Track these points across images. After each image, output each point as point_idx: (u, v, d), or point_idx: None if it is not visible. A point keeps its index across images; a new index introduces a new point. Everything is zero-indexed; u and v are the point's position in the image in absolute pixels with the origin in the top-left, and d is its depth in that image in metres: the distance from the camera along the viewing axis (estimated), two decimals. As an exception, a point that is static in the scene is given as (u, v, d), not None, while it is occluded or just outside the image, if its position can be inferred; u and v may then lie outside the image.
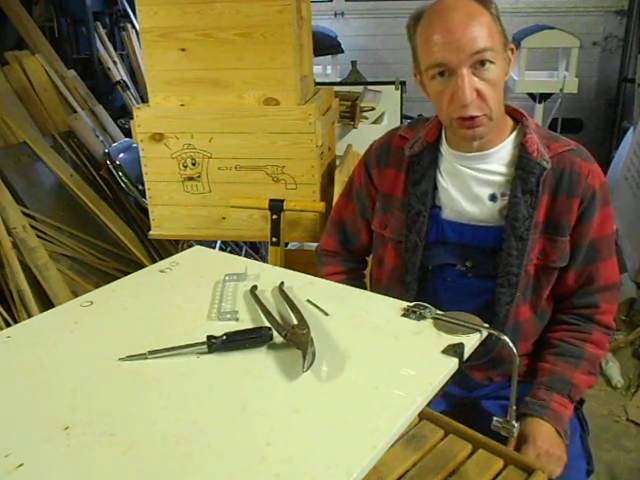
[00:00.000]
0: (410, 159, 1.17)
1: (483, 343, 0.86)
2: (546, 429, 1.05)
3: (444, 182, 1.15)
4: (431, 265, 1.17)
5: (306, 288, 1.01)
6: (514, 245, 1.09)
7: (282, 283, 1.01)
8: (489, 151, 1.10)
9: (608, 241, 1.13)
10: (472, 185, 1.12)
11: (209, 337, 0.83)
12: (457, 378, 0.82)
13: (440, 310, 0.90)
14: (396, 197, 1.20)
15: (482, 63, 0.99)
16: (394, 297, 1.12)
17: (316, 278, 1.06)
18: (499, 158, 1.11)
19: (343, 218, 1.34)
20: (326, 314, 0.92)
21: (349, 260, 1.35)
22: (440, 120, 1.15)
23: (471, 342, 0.82)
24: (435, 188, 1.16)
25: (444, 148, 1.16)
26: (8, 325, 2.23)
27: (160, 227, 2.02)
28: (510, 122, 1.14)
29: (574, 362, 1.11)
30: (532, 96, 3.54)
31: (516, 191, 1.08)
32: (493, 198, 1.12)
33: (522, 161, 1.08)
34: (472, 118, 1.03)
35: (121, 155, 2.85)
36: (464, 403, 1.22)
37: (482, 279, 1.14)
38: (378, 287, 1.27)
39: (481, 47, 0.98)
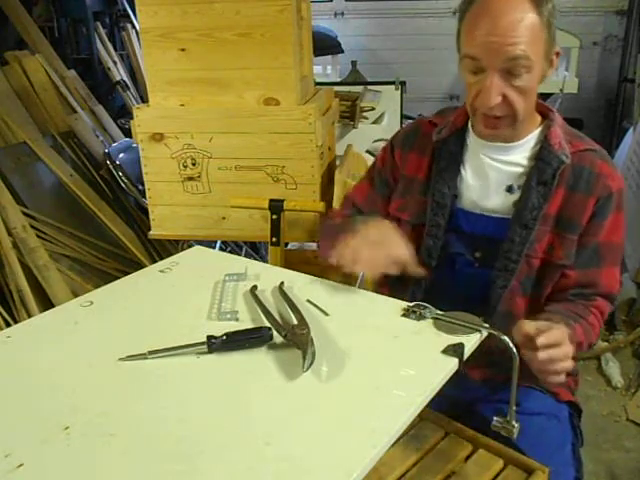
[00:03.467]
0: (436, 144, 1.17)
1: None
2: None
3: (464, 171, 1.15)
4: (442, 252, 1.16)
5: (306, 288, 1.01)
6: (517, 232, 1.09)
7: (282, 283, 1.01)
8: (514, 143, 1.11)
9: (615, 249, 1.12)
10: (491, 175, 1.12)
11: (209, 337, 0.83)
12: (456, 379, 0.82)
13: (445, 299, 0.89)
14: (418, 181, 1.20)
15: (515, 71, 0.99)
16: (412, 282, 1.09)
17: (316, 278, 1.06)
18: (522, 150, 1.12)
19: (357, 198, 1.30)
20: (326, 314, 0.92)
21: None
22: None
23: (471, 342, 0.83)
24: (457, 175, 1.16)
25: (470, 135, 1.16)
26: (8, 325, 2.23)
27: (160, 227, 2.01)
28: (538, 117, 1.14)
29: (579, 319, 1.06)
30: (532, 96, 3.53)
31: (531, 180, 1.09)
32: (510, 190, 1.12)
33: (542, 152, 1.09)
34: (496, 117, 1.04)
35: (121, 155, 2.85)
36: (460, 404, 1.22)
37: (490, 270, 1.13)
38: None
39: (517, 55, 0.97)
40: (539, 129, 1.12)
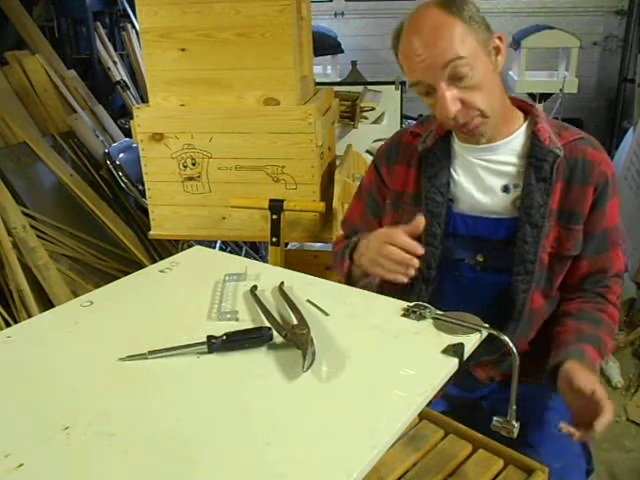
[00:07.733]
0: (422, 154, 1.17)
1: (494, 339, 0.85)
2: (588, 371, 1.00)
3: (456, 175, 1.15)
4: (442, 261, 1.16)
5: (306, 288, 1.01)
6: (529, 232, 1.09)
7: (282, 283, 1.01)
8: (498, 142, 1.11)
9: (618, 230, 1.15)
10: (484, 176, 1.12)
11: (209, 337, 0.83)
12: (458, 379, 0.82)
13: (449, 306, 0.90)
14: (408, 193, 1.20)
15: (458, 73, 0.99)
16: (412, 294, 1.10)
17: (316, 278, 1.06)
18: (510, 149, 1.12)
19: (355, 220, 1.33)
20: (326, 314, 0.92)
21: None
22: None
23: (471, 342, 0.82)
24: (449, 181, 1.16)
25: (455, 141, 1.16)
26: (8, 325, 2.23)
27: (160, 227, 2.02)
28: (519, 114, 1.14)
29: (596, 324, 1.10)
30: (532, 96, 3.54)
31: (530, 179, 1.09)
32: (506, 189, 1.12)
33: (535, 149, 1.09)
34: (464, 124, 1.04)
35: (121, 155, 2.85)
36: (464, 404, 1.22)
37: (493, 272, 1.14)
38: (395, 286, 1.24)
39: (449, 58, 0.98)
40: (524, 126, 1.12)
